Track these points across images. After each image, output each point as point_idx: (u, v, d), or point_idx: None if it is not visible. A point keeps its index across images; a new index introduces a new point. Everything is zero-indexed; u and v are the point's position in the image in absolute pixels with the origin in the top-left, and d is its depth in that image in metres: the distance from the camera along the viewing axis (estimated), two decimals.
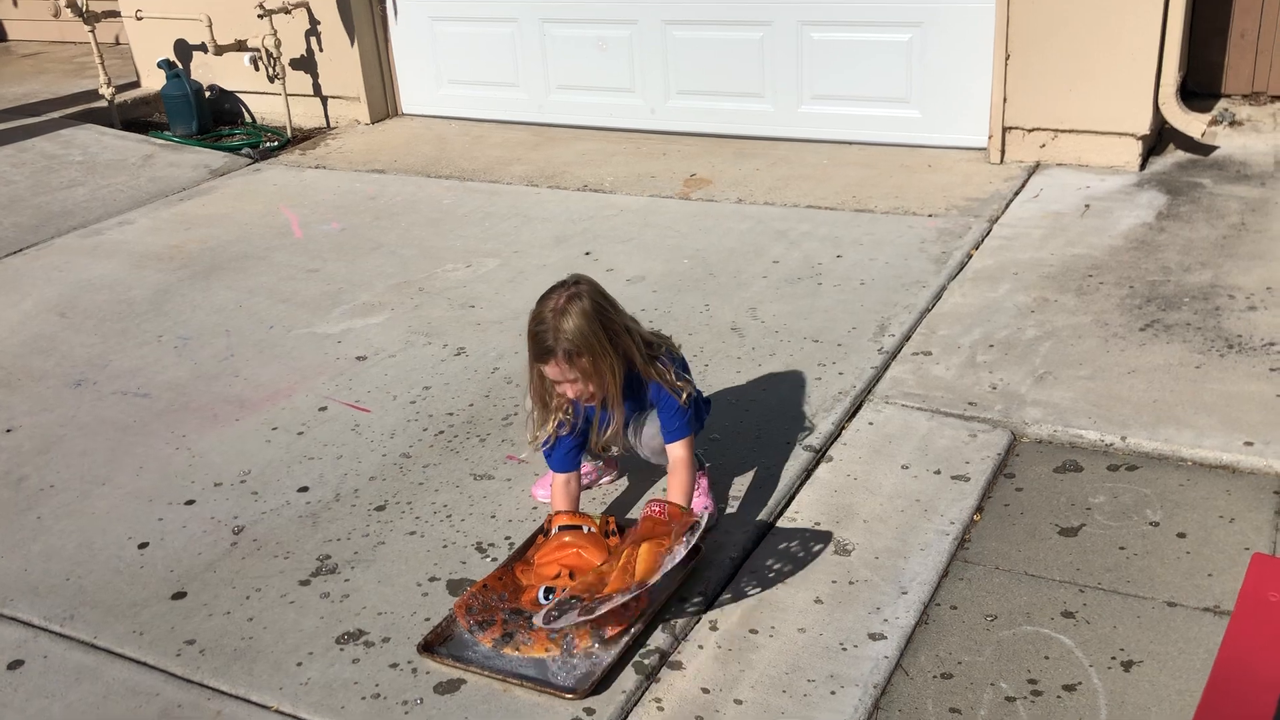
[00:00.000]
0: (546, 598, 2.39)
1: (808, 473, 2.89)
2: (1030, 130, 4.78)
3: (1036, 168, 4.78)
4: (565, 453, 2.59)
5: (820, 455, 2.95)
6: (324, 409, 3.36)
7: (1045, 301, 3.65)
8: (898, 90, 5.11)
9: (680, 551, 2.26)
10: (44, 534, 2.86)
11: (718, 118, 5.54)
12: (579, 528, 2.52)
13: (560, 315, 2.40)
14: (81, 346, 3.90)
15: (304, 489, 2.97)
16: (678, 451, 2.57)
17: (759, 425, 3.08)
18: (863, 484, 2.82)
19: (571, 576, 2.42)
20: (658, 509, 2.43)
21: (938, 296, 3.76)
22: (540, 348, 2.44)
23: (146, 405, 3.46)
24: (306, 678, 2.31)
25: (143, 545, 2.79)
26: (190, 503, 2.95)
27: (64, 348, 3.90)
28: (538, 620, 2.24)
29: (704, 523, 2.37)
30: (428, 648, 2.33)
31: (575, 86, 5.86)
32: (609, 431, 2.61)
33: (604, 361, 2.44)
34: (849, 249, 4.18)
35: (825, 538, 2.63)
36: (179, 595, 2.59)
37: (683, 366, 2.65)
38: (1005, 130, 4.82)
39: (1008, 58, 4.67)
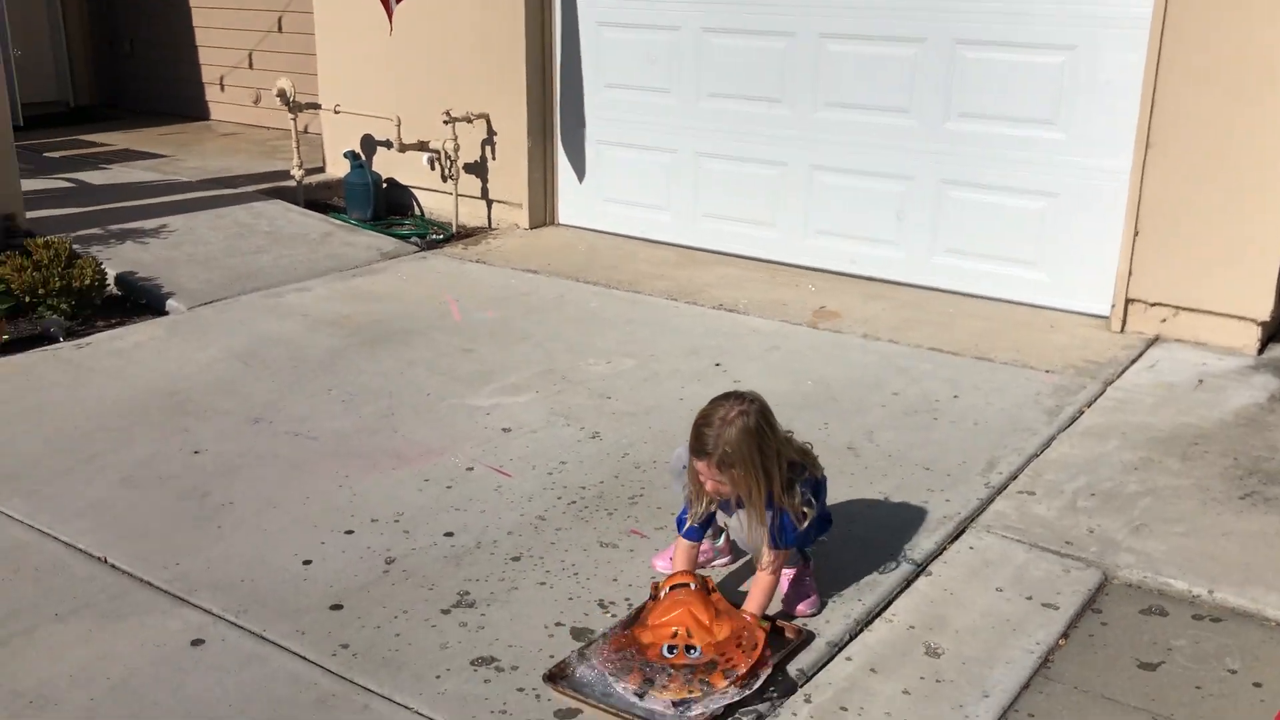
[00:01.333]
0: (670, 653, 2.66)
1: (908, 582, 3.12)
2: (1152, 304, 5.01)
3: (1155, 340, 4.99)
4: (698, 526, 2.89)
5: (921, 569, 3.19)
6: (471, 469, 3.73)
7: (1150, 461, 3.84)
8: (1027, 253, 5.40)
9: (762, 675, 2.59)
10: (223, 541, 3.25)
11: (851, 259, 5.90)
12: (687, 585, 2.78)
13: (725, 425, 2.69)
14: (260, 391, 4.37)
15: (449, 534, 3.31)
16: (770, 558, 2.80)
17: (865, 536, 3.33)
18: (958, 599, 3.04)
19: (689, 634, 2.69)
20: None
21: (1047, 444, 3.98)
22: (699, 445, 2.73)
23: (315, 446, 3.88)
24: (444, 689, 2.61)
25: (306, 562, 3.15)
26: (349, 532, 3.32)
27: (244, 390, 4.38)
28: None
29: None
30: (552, 678, 2.61)
31: (721, 216, 6.30)
32: (746, 531, 2.87)
33: (751, 477, 2.71)
34: (966, 391, 4.44)
35: (918, 640, 2.85)
36: (336, 607, 2.94)
37: (816, 489, 2.89)
38: (1128, 302, 5.05)
39: (1136, 234, 4.94)
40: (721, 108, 6.17)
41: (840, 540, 3.29)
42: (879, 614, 2.98)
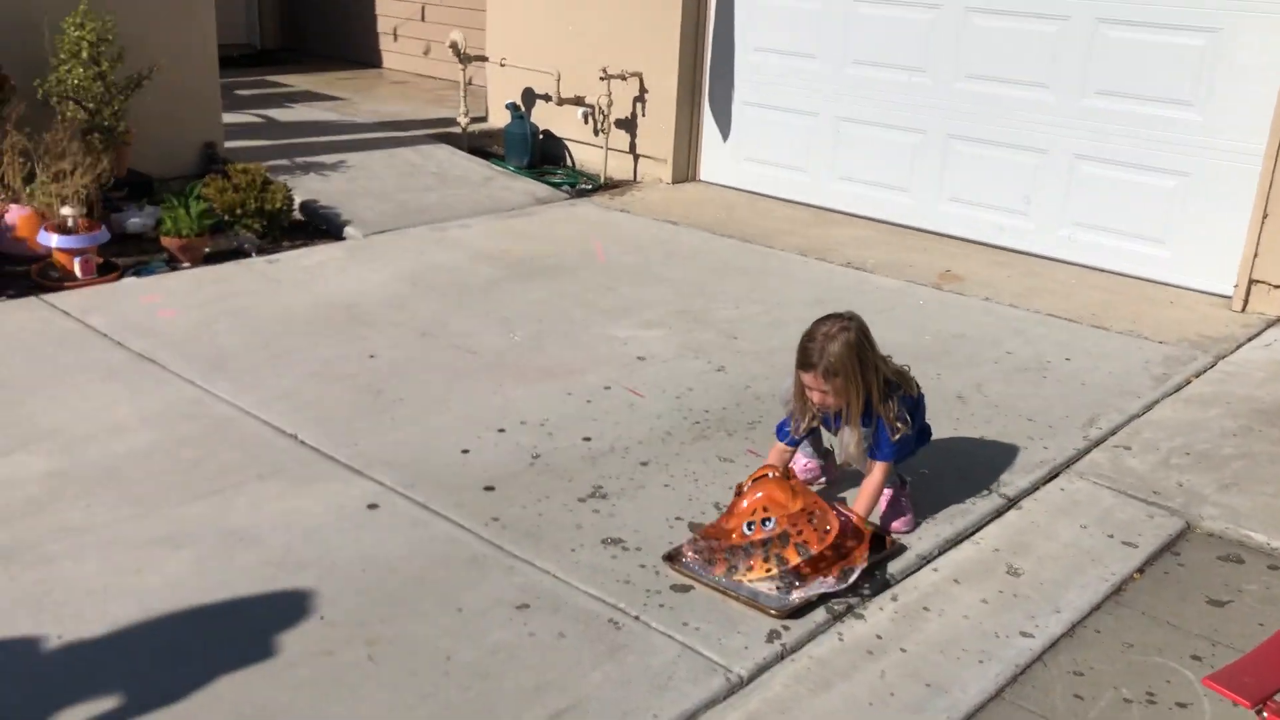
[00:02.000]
0: (749, 529, 3.02)
1: (998, 513, 3.42)
2: (1275, 286, 5.10)
3: (1277, 321, 5.09)
4: (797, 436, 3.26)
5: (1012, 503, 3.48)
6: (608, 388, 4.15)
7: (1249, 430, 4.02)
8: (1154, 230, 5.54)
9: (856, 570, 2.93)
10: (395, 430, 3.76)
11: (981, 226, 6.11)
12: (766, 475, 3.12)
13: (829, 339, 3.05)
14: (427, 309, 4.88)
15: (587, 438, 3.75)
16: (874, 470, 3.16)
17: (964, 470, 3.64)
18: (1043, 531, 3.33)
19: (765, 509, 3.02)
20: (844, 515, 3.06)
21: (1149, 407, 4.19)
22: (805, 359, 3.10)
23: (474, 359, 4.36)
24: (577, 560, 3.04)
25: (465, 451, 3.63)
26: (501, 431, 3.78)
27: (413, 307, 4.89)
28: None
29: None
30: (670, 558, 3.02)
31: (856, 179, 6.57)
32: (843, 442, 3.21)
33: (852, 386, 3.07)
34: (1078, 355, 4.65)
35: (1001, 561, 3.16)
36: (489, 488, 3.40)
37: (913, 406, 3.23)
38: (1251, 283, 5.16)
39: (1265, 217, 5.04)
40: (865, 75, 6.41)
41: (939, 473, 3.61)
42: (968, 537, 3.29)
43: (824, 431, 3.40)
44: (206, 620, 2.74)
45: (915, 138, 6.29)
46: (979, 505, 3.43)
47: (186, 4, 6.32)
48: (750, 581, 2.93)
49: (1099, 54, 5.56)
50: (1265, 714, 1.98)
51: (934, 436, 3.84)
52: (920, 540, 3.23)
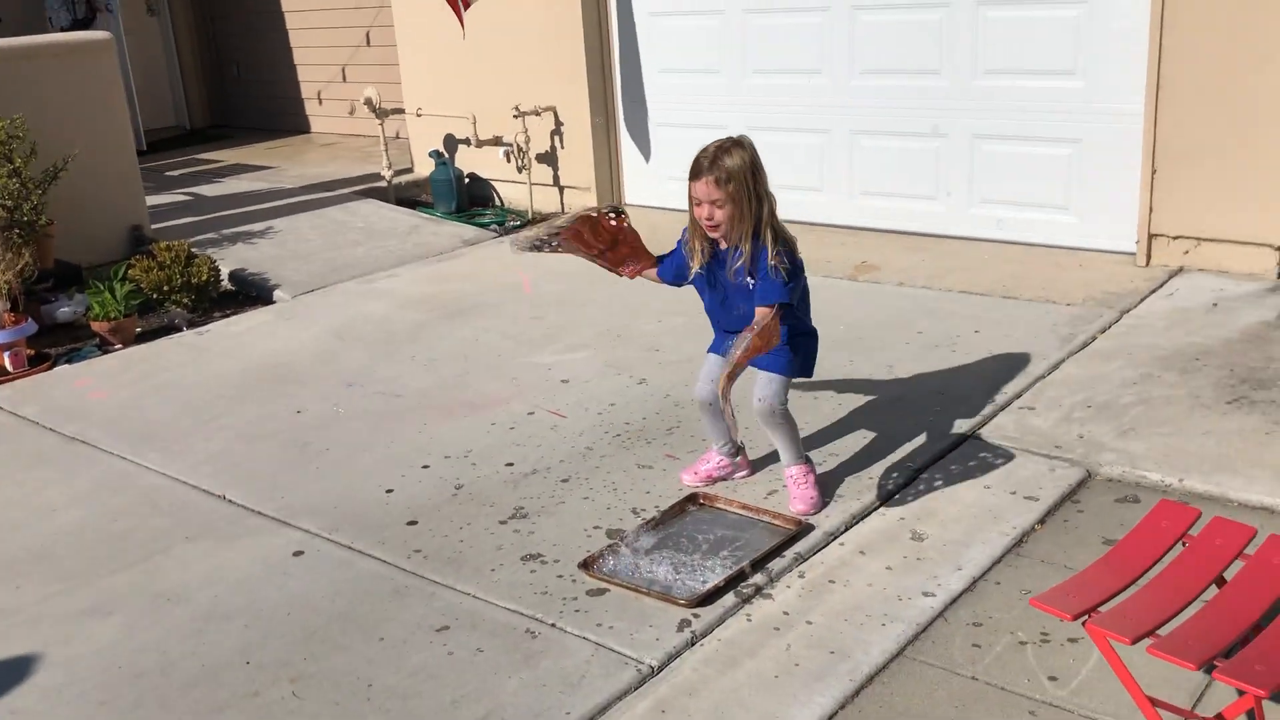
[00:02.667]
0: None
1: (905, 484, 3.53)
2: (1174, 238, 5.26)
3: (1179, 271, 5.25)
4: (676, 266, 3.41)
5: (918, 473, 3.59)
6: (531, 413, 4.26)
7: (1149, 377, 4.16)
8: (1057, 198, 5.70)
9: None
10: (321, 479, 3.85)
11: (895, 216, 6.26)
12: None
13: (722, 151, 3.08)
14: (354, 360, 4.98)
15: (510, 464, 3.85)
16: (761, 311, 3.08)
17: (872, 448, 3.75)
18: (948, 496, 3.45)
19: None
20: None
21: (1055, 367, 4.32)
22: (696, 168, 3.10)
23: (400, 402, 4.47)
24: (497, 579, 3.14)
25: (389, 490, 3.72)
26: (425, 466, 3.88)
27: (340, 360, 4.99)
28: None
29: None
30: (585, 565, 3.12)
31: (771, 185, 6.70)
32: (736, 265, 3.16)
33: (742, 198, 3.06)
34: (988, 327, 4.79)
35: (906, 528, 3.27)
36: (412, 523, 3.50)
37: (795, 266, 3.18)
38: (1152, 237, 5.32)
39: (1154, 172, 5.21)
40: (766, 83, 6.58)
41: (850, 452, 3.73)
42: (874, 510, 3.40)
43: (734, 422, 3.50)
44: (135, 679, 2.82)
45: (821, 138, 6.45)
46: (887, 479, 3.54)
47: (98, 94, 6.44)
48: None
49: (983, 36, 5.74)
50: (1085, 626, 2.10)
51: (845, 416, 3.97)
52: (828, 518, 3.34)
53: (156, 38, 10.99)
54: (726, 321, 3.38)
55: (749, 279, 3.20)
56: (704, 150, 3.16)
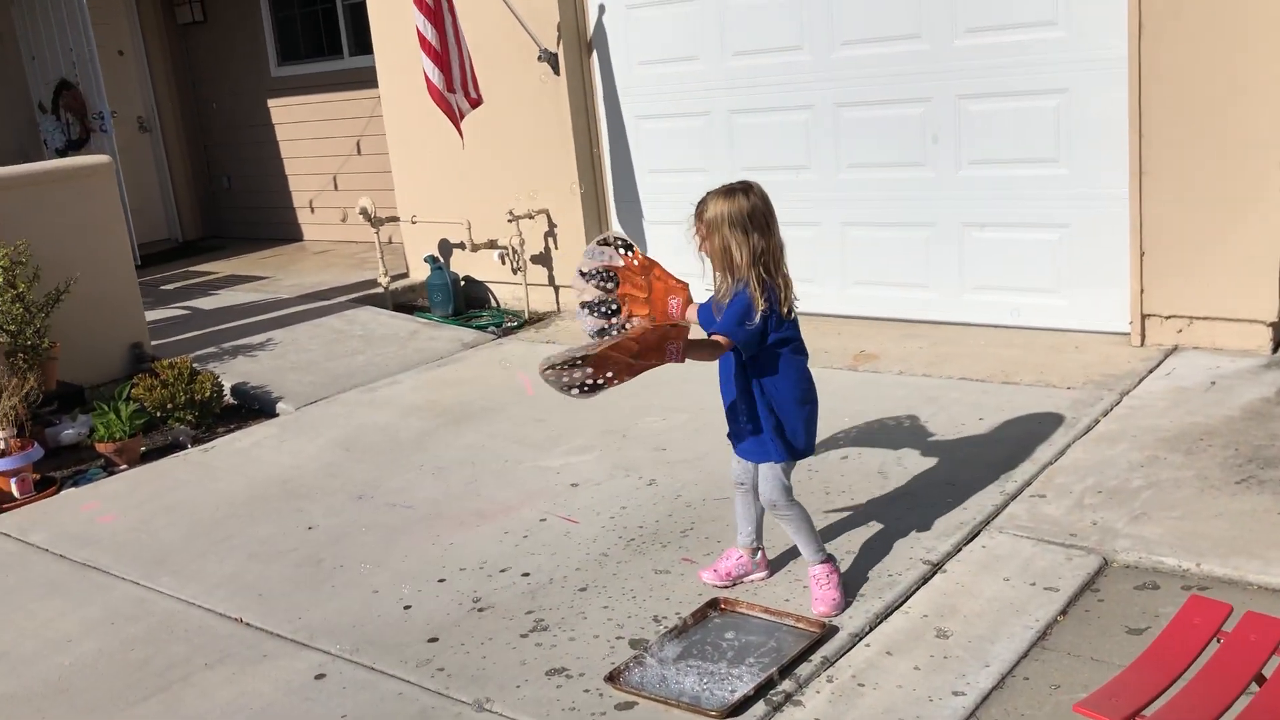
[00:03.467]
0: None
1: (924, 580, 3.54)
2: (1167, 317, 5.35)
3: (1174, 350, 5.32)
4: (706, 311, 3.43)
5: (936, 568, 3.60)
6: (544, 520, 4.27)
7: (1155, 459, 4.20)
8: (1048, 282, 5.80)
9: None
10: (336, 597, 3.83)
11: (888, 304, 6.35)
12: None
13: (716, 197, 3.27)
14: (362, 472, 4.98)
15: (526, 574, 3.84)
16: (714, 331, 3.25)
17: (888, 544, 3.77)
18: (968, 590, 3.45)
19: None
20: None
21: (1061, 453, 4.36)
22: (698, 207, 3.31)
23: (410, 513, 4.47)
24: (523, 695, 3.12)
25: (407, 607, 3.71)
26: (441, 580, 3.87)
27: (348, 472, 5.00)
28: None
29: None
30: (611, 678, 3.10)
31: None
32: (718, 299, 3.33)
33: (727, 238, 3.21)
34: (990, 413, 4.84)
35: (930, 626, 3.27)
36: (432, 640, 3.48)
37: (778, 317, 3.30)
38: (1144, 317, 5.41)
39: (1142, 254, 5.32)
40: (753, 178, 6.70)
41: (865, 548, 3.74)
42: (897, 608, 3.40)
43: (753, 524, 3.54)
44: None
45: (812, 230, 6.57)
46: (905, 575, 3.55)
47: (98, 215, 6.52)
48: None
49: (966, 127, 5.90)
50: None
51: (858, 509, 3.99)
52: (851, 619, 3.33)
53: (148, 153, 11.16)
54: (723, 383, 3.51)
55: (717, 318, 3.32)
56: (710, 192, 3.34)
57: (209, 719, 3.18)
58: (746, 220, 3.24)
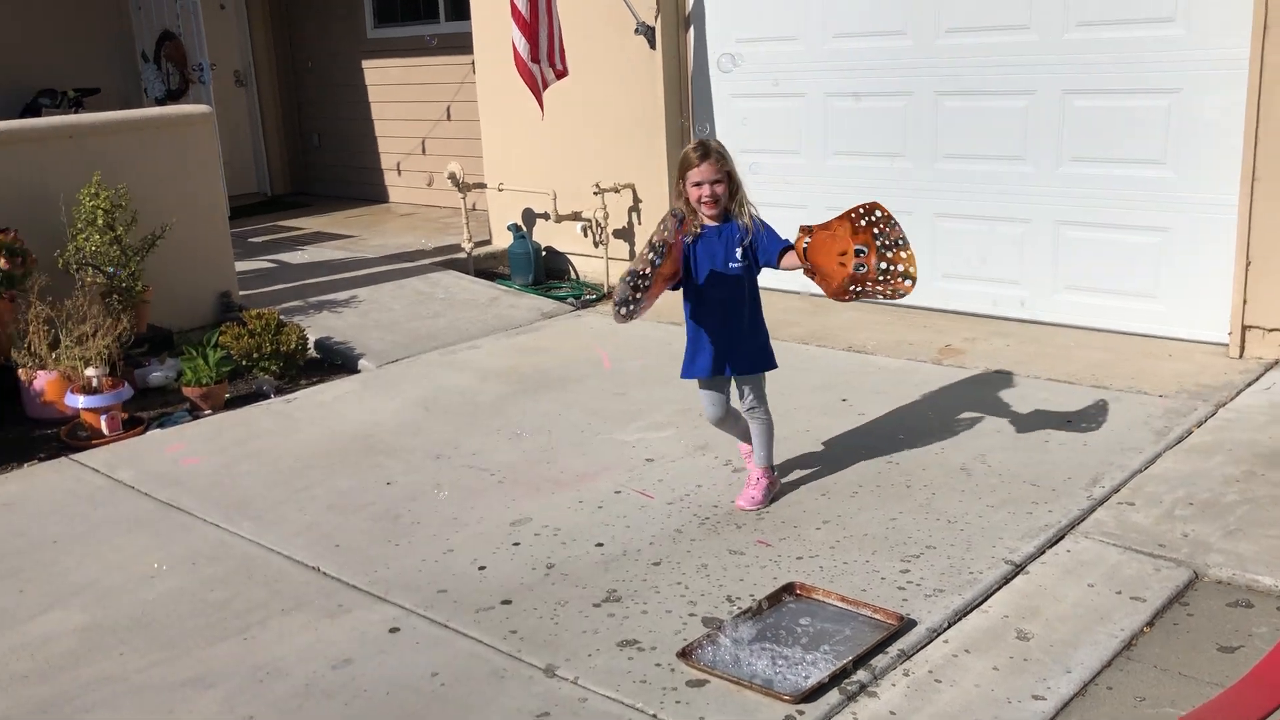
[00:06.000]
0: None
1: (1006, 580, 3.47)
2: (1270, 330, 5.18)
3: (1275, 364, 5.15)
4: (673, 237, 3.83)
5: (1019, 569, 3.53)
6: (618, 492, 4.26)
7: (1252, 474, 4.07)
8: (1145, 286, 5.65)
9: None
10: (413, 553, 3.86)
11: (977, 299, 6.23)
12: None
13: (708, 141, 3.83)
14: (440, 432, 5.02)
15: (599, 544, 3.84)
16: (789, 260, 3.81)
17: (968, 541, 3.70)
18: (1050, 593, 3.38)
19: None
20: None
21: (1151, 461, 4.25)
22: (698, 154, 3.77)
23: (487, 476, 4.49)
24: (594, 664, 3.12)
25: (481, 567, 3.73)
26: (516, 544, 3.89)
27: (427, 432, 5.04)
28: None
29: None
30: (684, 654, 3.09)
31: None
32: (733, 235, 3.86)
33: (737, 178, 3.84)
34: (1078, 416, 4.72)
35: (1010, 627, 3.21)
36: (506, 602, 3.50)
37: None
38: (1245, 329, 5.24)
39: (1248, 264, 5.15)
40: (847, 165, 6.63)
41: (947, 544, 3.68)
42: (976, 606, 3.34)
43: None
44: None
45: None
46: (986, 574, 3.49)
47: (195, 164, 6.64)
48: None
49: (1070, 123, 5.75)
50: None
51: (940, 506, 3.92)
52: (930, 614, 3.28)
53: (243, 107, 11.34)
54: (711, 324, 3.95)
55: (739, 250, 3.83)
56: (689, 146, 3.84)
57: (285, 664, 3.23)
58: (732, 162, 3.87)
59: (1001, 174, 6.03)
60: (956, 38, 6.04)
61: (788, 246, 3.81)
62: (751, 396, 4.01)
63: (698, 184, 3.79)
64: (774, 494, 4.07)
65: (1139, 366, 5.27)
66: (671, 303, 7.03)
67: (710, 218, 3.86)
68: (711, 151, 3.78)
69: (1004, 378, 5.27)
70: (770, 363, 4.03)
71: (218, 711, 3.01)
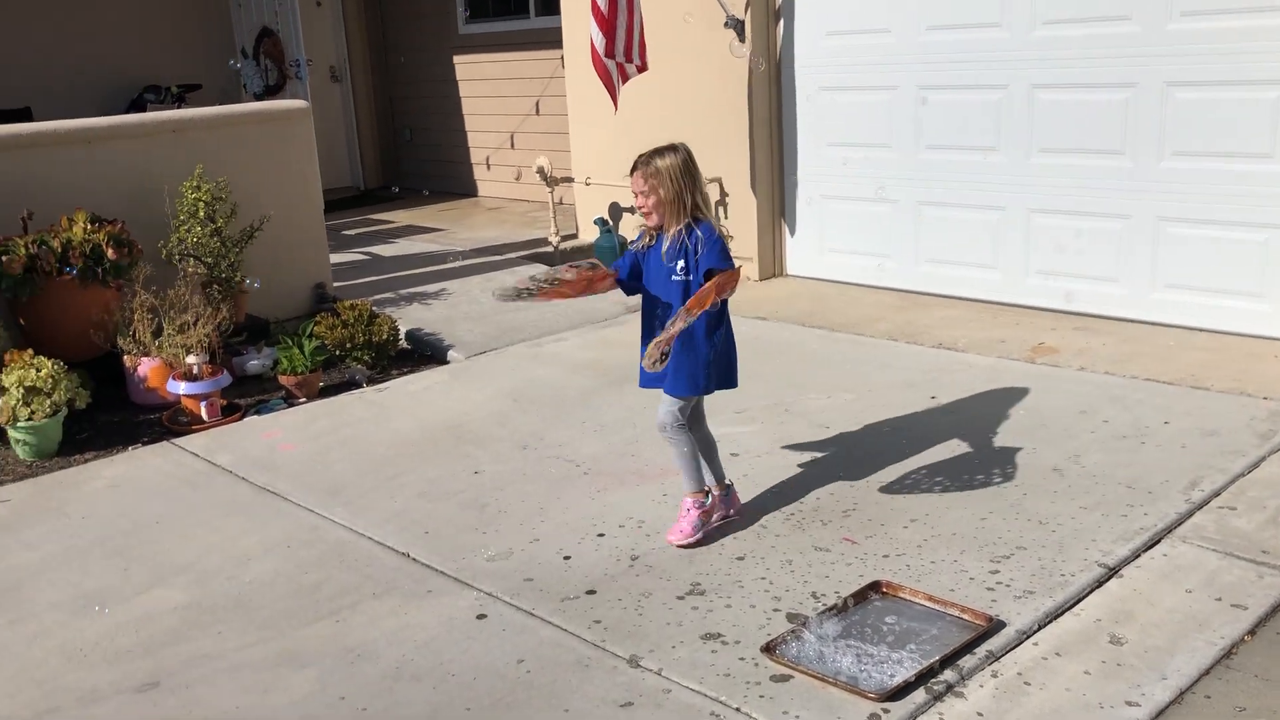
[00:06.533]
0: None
1: (1099, 583, 3.39)
2: None
3: None
4: (627, 263, 3.82)
5: (1113, 572, 3.45)
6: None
7: None
8: (1250, 285, 5.46)
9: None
10: (499, 541, 3.92)
11: (1071, 296, 6.09)
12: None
13: (656, 153, 3.63)
14: (527, 423, 5.08)
15: None
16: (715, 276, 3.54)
17: (1062, 542, 3.63)
18: (1146, 598, 3.29)
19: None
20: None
21: (1255, 465, 4.11)
22: (633, 165, 3.64)
23: (572, 467, 4.53)
24: (678, 656, 3.13)
25: (566, 557, 3.77)
26: (600, 535, 3.91)
27: (514, 423, 5.10)
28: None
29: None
30: (769, 649, 3.09)
31: (941, 260, 6.63)
32: (665, 245, 3.67)
33: (669, 191, 3.58)
34: (1179, 418, 4.59)
35: (1103, 631, 3.14)
36: (590, 592, 3.53)
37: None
38: None
39: None
40: (939, 158, 6.52)
41: (1038, 545, 3.61)
42: (1068, 609, 3.27)
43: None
44: None
45: (995, 215, 6.35)
46: (1079, 576, 3.41)
47: (292, 158, 6.80)
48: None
49: (1172, 117, 5.58)
50: None
51: (1031, 507, 3.85)
52: (1019, 615, 3.22)
53: (337, 102, 11.59)
54: (652, 327, 3.79)
55: (679, 264, 3.65)
56: (641, 153, 3.68)
57: (375, 646, 3.30)
58: (695, 168, 3.66)
59: (1099, 169, 5.89)
60: (1054, 29, 5.90)
61: (711, 270, 3.59)
62: (662, 414, 3.78)
63: (635, 194, 3.72)
64: (708, 525, 3.81)
65: (1242, 368, 5.10)
66: (757, 297, 7.04)
67: (652, 227, 3.74)
68: (638, 165, 3.65)
69: (1098, 377, 5.15)
70: (688, 389, 3.75)
71: (311, 691, 3.09)
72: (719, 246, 3.62)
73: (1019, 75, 6.08)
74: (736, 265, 3.66)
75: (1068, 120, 5.95)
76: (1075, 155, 5.97)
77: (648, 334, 3.80)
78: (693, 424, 3.86)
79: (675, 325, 3.47)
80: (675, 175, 3.59)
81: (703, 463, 3.89)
